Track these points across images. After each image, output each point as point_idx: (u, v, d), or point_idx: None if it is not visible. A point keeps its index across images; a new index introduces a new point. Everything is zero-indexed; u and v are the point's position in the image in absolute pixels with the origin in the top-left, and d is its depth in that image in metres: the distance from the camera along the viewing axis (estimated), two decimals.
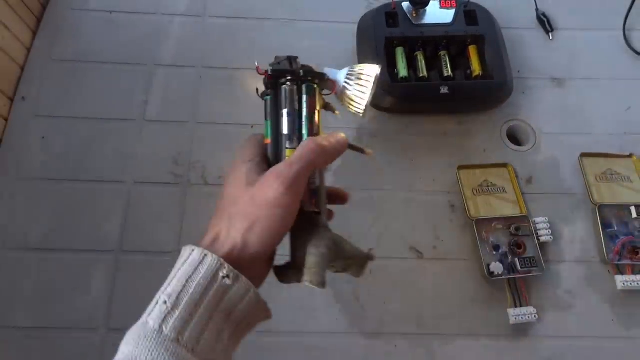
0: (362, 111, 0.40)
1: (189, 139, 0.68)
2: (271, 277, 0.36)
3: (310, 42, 0.74)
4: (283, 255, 0.36)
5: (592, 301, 0.61)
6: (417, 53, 0.70)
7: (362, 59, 0.70)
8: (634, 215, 0.63)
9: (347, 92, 0.40)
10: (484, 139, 0.69)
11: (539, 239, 0.62)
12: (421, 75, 0.68)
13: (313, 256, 0.34)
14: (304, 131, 0.37)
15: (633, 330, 0.59)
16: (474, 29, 0.70)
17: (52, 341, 0.57)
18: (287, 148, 0.36)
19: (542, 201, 0.65)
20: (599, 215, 0.63)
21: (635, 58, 0.75)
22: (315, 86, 0.38)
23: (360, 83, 0.40)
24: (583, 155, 0.68)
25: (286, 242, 0.36)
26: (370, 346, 0.58)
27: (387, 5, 0.71)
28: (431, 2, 0.70)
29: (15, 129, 0.67)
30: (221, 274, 0.30)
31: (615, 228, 0.63)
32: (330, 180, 0.55)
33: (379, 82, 0.69)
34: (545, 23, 0.77)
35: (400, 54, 0.69)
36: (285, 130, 0.37)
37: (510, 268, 0.60)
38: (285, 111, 0.37)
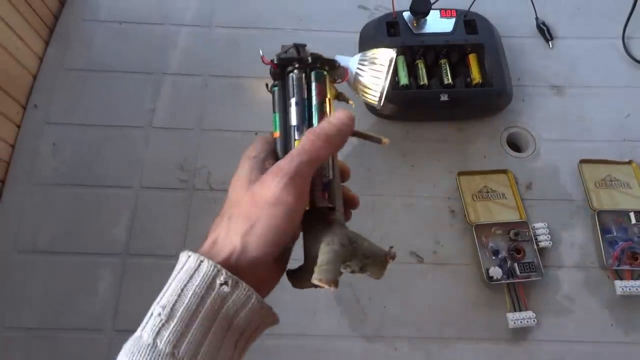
0: (377, 99, 0.37)
1: (195, 145, 0.70)
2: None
3: (313, 51, 0.76)
4: (299, 259, 0.34)
5: (591, 306, 0.61)
6: (417, 61, 0.71)
7: None
8: (633, 221, 0.64)
9: (361, 78, 0.37)
10: (484, 146, 0.71)
11: (538, 244, 0.63)
12: (422, 83, 0.69)
13: (325, 253, 0.31)
14: (314, 121, 0.34)
15: (632, 335, 0.60)
16: (474, 37, 0.71)
17: (60, 342, 0.59)
18: (296, 140, 0.34)
19: (542, 207, 0.66)
20: (598, 221, 0.64)
21: (635, 66, 0.76)
22: (325, 73, 0.36)
23: (375, 68, 0.37)
24: (582, 161, 0.68)
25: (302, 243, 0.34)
26: (370, 349, 0.59)
27: (388, 15, 0.73)
28: (431, 11, 0.71)
29: (27, 135, 0.70)
30: (218, 281, 0.28)
31: (615, 234, 0.64)
32: None
33: None
34: (544, 32, 0.78)
35: (401, 63, 0.70)
36: (293, 121, 0.34)
37: (509, 273, 0.61)
38: (293, 100, 0.34)
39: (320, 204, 0.33)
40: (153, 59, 0.75)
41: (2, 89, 0.66)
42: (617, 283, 0.61)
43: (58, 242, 0.63)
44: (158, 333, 0.27)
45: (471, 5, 0.73)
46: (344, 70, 0.37)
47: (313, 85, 0.35)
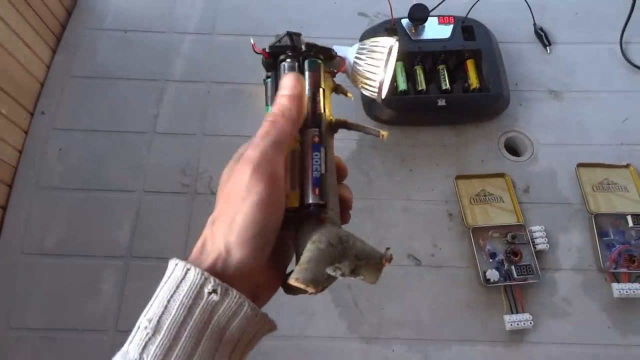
0: (376, 90, 0.35)
1: (197, 150, 0.71)
2: None
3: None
4: None
5: (588, 308, 0.61)
6: (416, 67, 0.72)
7: None
8: (631, 224, 0.64)
9: (359, 67, 0.35)
10: (481, 150, 0.71)
11: (535, 247, 0.63)
12: (420, 88, 0.71)
13: (308, 252, 0.29)
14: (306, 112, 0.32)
15: (629, 338, 0.60)
16: (471, 43, 0.72)
17: (64, 342, 0.60)
18: None
19: (539, 210, 0.67)
20: (595, 224, 0.64)
21: (632, 70, 0.76)
22: (320, 62, 0.33)
23: (373, 56, 0.34)
24: (580, 165, 0.69)
25: None
26: (368, 351, 0.60)
27: (387, 22, 0.74)
28: (429, 18, 0.72)
29: (35, 141, 0.71)
30: (206, 290, 0.26)
31: (612, 237, 0.64)
32: None
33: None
34: (542, 37, 0.79)
35: (399, 68, 0.71)
36: None
37: (506, 275, 0.62)
38: None
39: (309, 201, 0.31)
40: (157, 66, 0.77)
41: (11, 96, 0.68)
42: (614, 286, 0.61)
43: (63, 245, 0.65)
44: (144, 348, 0.26)
45: (469, 12, 0.74)
46: (342, 61, 0.35)
47: (306, 74, 0.33)
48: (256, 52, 0.34)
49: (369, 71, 0.34)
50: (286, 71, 0.33)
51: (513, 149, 0.73)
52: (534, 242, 0.63)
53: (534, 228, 0.64)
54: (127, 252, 0.65)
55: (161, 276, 0.29)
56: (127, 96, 0.75)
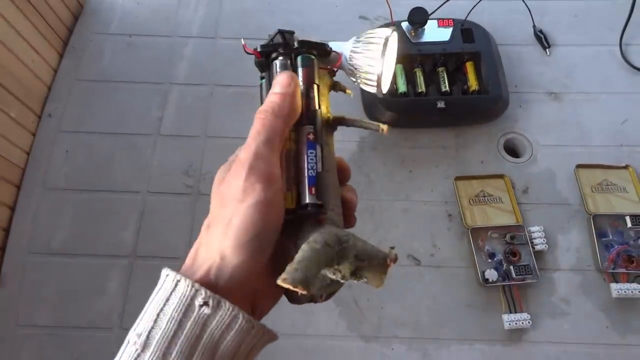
0: (374, 84, 0.33)
1: (200, 152, 0.72)
2: None
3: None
4: None
5: (587, 308, 0.62)
6: (415, 69, 0.73)
7: None
8: (629, 224, 0.64)
9: (355, 61, 0.33)
10: (481, 151, 0.72)
11: (534, 248, 0.64)
12: (419, 90, 0.71)
13: (301, 251, 0.27)
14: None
15: (628, 338, 0.60)
16: (471, 46, 0.73)
17: (71, 339, 0.61)
18: None
19: (538, 211, 0.67)
20: (594, 224, 0.65)
21: (632, 72, 0.77)
22: (313, 57, 0.32)
23: (370, 48, 0.33)
24: (579, 166, 0.69)
25: None
26: (367, 349, 0.61)
27: (387, 25, 0.75)
28: (429, 21, 0.73)
29: (42, 143, 0.73)
30: (197, 302, 0.25)
31: (610, 237, 0.65)
32: None
33: (377, 98, 0.71)
34: (542, 39, 0.79)
35: (399, 71, 0.72)
36: None
37: (505, 275, 0.62)
38: None
39: (306, 201, 0.29)
40: (161, 70, 0.79)
41: (18, 99, 0.70)
42: (613, 286, 0.62)
43: (70, 245, 0.66)
44: None
45: (468, 15, 0.75)
46: (337, 56, 0.34)
47: (299, 71, 0.32)
48: (247, 53, 0.33)
49: (366, 64, 0.33)
50: (278, 69, 0.32)
51: (512, 150, 0.74)
52: (532, 242, 0.64)
53: (532, 228, 0.65)
54: (132, 252, 0.66)
55: None
56: (132, 99, 0.76)
